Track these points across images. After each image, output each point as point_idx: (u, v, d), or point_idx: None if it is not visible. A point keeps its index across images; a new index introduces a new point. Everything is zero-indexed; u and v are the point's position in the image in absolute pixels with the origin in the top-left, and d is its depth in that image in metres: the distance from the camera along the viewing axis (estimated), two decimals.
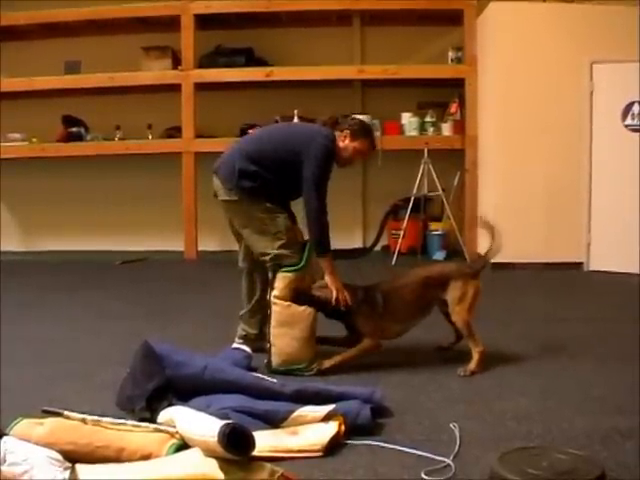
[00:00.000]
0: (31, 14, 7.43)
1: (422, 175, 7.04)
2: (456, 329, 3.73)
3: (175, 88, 7.39)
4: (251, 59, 7.61)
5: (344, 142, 3.67)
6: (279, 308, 3.50)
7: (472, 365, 3.48)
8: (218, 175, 3.67)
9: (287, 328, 3.49)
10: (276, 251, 3.54)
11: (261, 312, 3.72)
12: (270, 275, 3.58)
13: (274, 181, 3.58)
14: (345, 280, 3.63)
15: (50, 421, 2.47)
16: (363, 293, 3.58)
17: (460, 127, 7.40)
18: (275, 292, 3.52)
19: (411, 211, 7.14)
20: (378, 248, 7.75)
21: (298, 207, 3.69)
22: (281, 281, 3.52)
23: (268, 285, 3.62)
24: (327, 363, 3.50)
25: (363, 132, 3.73)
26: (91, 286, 6.17)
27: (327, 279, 3.56)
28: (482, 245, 6.90)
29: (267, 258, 3.56)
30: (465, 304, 3.56)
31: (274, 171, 3.57)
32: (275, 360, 3.49)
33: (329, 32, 7.94)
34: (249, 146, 3.73)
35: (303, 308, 3.50)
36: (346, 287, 3.58)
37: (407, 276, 3.74)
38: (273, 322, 3.51)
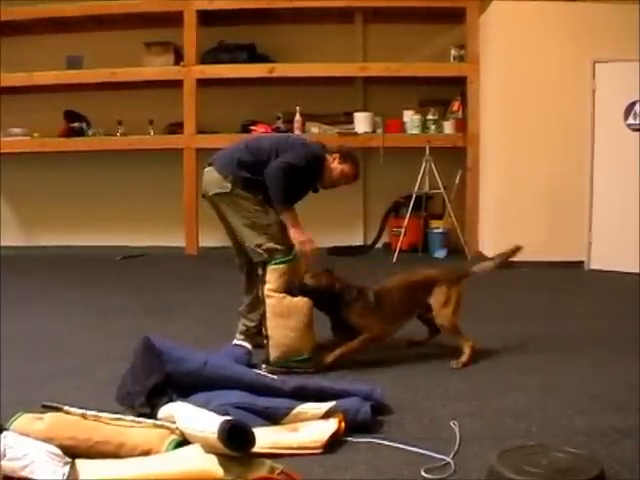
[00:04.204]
0: (32, 8, 7.42)
1: (424, 173, 7.04)
2: (430, 327, 3.81)
3: (177, 84, 7.39)
4: (253, 55, 7.60)
5: (333, 163, 3.80)
6: (274, 301, 3.51)
7: (464, 358, 3.56)
8: (214, 165, 3.71)
9: (283, 320, 3.49)
10: (267, 244, 3.56)
11: (261, 306, 3.72)
12: (260, 270, 3.59)
13: None
14: (345, 277, 3.64)
15: (50, 416, 2.48)
16: (357, 291, 3.60)
17: (462, 125, 7.39)
18: (269, 285, 3.53)
19: (412, 209, 7.14)
20: (379, 246, 7.76)
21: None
22: (273, 274, 3.53)
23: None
24: (329, 358, 3.50)
25: (352, 158, 3.88)
26: (91, 282, 6.17)
27: (290, 232, 3.59)
28: (483, 243, 6.98)
29: (259, 250, 3.57)
30: (450, 307, 3.62)
31: None
32: (273, 353, 3.49)
33: (331, 29, 7.93)
34: (250, 143, 3.81)
35: (298, 299, 3.52)
36: (340, 283, 3.59)
37: (394, 280, 3.77)
38: (268, 315, 3.52)
